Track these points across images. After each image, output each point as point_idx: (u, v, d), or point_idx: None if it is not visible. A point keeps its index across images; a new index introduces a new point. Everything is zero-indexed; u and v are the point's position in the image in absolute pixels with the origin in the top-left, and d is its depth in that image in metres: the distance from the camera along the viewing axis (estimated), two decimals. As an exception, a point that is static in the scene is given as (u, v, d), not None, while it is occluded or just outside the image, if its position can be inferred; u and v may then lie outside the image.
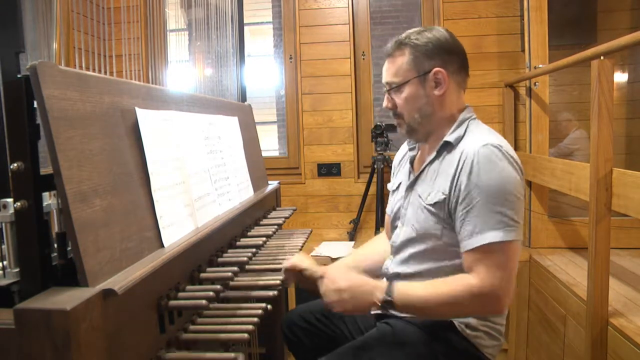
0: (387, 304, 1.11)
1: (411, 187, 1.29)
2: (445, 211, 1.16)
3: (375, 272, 1.36)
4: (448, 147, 1.21)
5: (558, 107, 2.78)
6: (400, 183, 1.36)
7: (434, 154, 1.24)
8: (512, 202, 1.09)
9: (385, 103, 1.30)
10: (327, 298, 1.15)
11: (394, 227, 1.34)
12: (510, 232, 1.08)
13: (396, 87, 1.25)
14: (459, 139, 1.20)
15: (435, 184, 1.21)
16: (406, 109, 1.25)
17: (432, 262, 1.20)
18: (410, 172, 1.33)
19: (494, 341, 1.21)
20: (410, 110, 1.25)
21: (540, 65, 2.35)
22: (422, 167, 1.27)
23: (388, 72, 1.27)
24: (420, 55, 1.21)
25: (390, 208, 1.39)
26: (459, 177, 1.14)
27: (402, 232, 1.28)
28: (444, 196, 1.16)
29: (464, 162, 1.14)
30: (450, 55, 1.22)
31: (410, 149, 1.38)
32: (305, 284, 1.29)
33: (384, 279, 1.28)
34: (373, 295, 1.12)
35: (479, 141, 1.14)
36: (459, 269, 1.14)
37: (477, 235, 1.09)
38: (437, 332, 1.19)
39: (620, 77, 2.77)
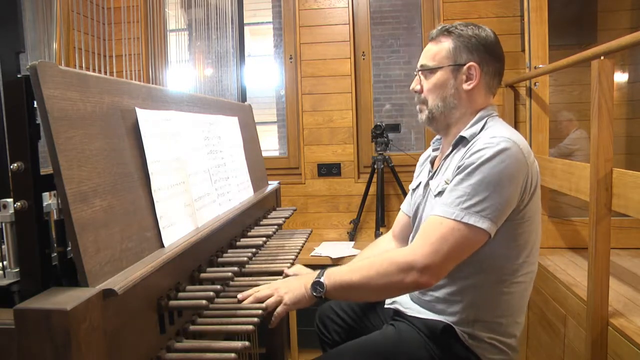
0: (317, 285, 1.10)
1: (427, 184, 1.30)
2: None
3: None
4: (463, 142, 1.21)
5: (558, 107, 2.78)
6: (420, 182, 1.37)
7: (449, 149, 1.25)
8: (497, 195, 1.06)
9: (413, 84, 1.30)
10: (261, 292, 1.09)
11: (413, 225, 1.35)
12: (476, 217, 1.05)
13: (428, 70, 1.25)
14: (474, 135, 1.19)
15: (444, 175, 1.21)
16: (432, 95, 1.25)
17: None
18: (429, 171, 1.34)
19: (502, 355, 1.18)
20: (435, 96, 1.25)
21: (540, 65, 2.35)
22: (440, 164, 1.28)
23: (426, 55, 1.27)
24: (461, 46, 1.21)
25: (409, 207, 1.41)
26: (462, 161, 1.13)
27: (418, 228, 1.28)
28: (446, 184, 1.16)
29: (470, 150, 1.13)
30: (490, 56, 1.22)
31: (434, 150, 1.39)
32: None
33: None
34: (306, 282, 1.11)
35: (492, 133, 1.13)
36: (476, 261, 1.13)
37: (445, 205, 1.09)
38: (439, 337, 1.18)
39: (620, 77, 2.77)
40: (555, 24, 2.44)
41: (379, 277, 1.07)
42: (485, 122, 1.21)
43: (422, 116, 1.30)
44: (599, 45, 1.47)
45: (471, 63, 1.21)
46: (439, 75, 1.24)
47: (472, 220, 1.05)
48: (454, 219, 1.06)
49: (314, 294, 1.11)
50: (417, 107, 1.31)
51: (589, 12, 2.73)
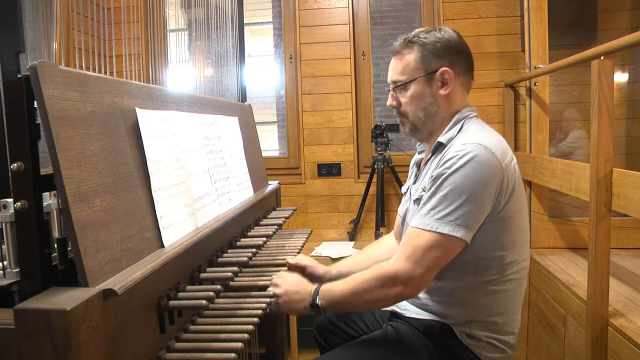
0: (315, 306, 1.16)
1: (411, 189, 1.32)
2: None
3: None
4: (440, 147, 1.21)
5: (558, 107, 2.78)
6: (409, 186, 1.38)
7: (429, 155, 1.25)
8: (469, 203, 1.07)
9: (389, 101, 1.29)
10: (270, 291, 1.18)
11: (403, 228, 1.36)
12: (450, 227, 1.07)
13: (402, 85, 1.24)
14: (451, 139, 1.19)
15: (422, 183, 1.22)
16: (411, 108, 1.25)
17: None
18: (416, 175, 1.35)
19: (500, 353, 1.19)
20: (415, 109, 1.24)
21: (540, 65, 2.35)
22: (422, 168, 1.29)
23: (394, 70, 1.26)
24: (428, 54, 1.21)
25: (402, 208, 1.41)
26: (435, 170, 1.14)
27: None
28: (423, 192, 1.17)
29: (443, 157, 1.14)
30: (458, 56, 1.22)
31: (419, 152, 1.39)
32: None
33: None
34: (304, 301, 1.17)
35: (463, 139, 1.14)
36: (464, 263, 1.14)
37: (421, 217, 1.11)
38: (438, 338, 1.18)
39: (620, 77, 2.77)
40: (555, 24, 2.44)
41: (367, 293, 1.12)
42: (462, 125, 1.21)
43: (405, 129, 1.30)
44: (599, 45, 1.47)
45: (443, 68, 1.20)
46: (414, 88, 1.23)
47: (447, 229, 1.07)
48: (429, 230, 1.08)
49: (313, 313, 1.17)
50: (398, 119, 1.31)
51: (589, 12, 2.73)
